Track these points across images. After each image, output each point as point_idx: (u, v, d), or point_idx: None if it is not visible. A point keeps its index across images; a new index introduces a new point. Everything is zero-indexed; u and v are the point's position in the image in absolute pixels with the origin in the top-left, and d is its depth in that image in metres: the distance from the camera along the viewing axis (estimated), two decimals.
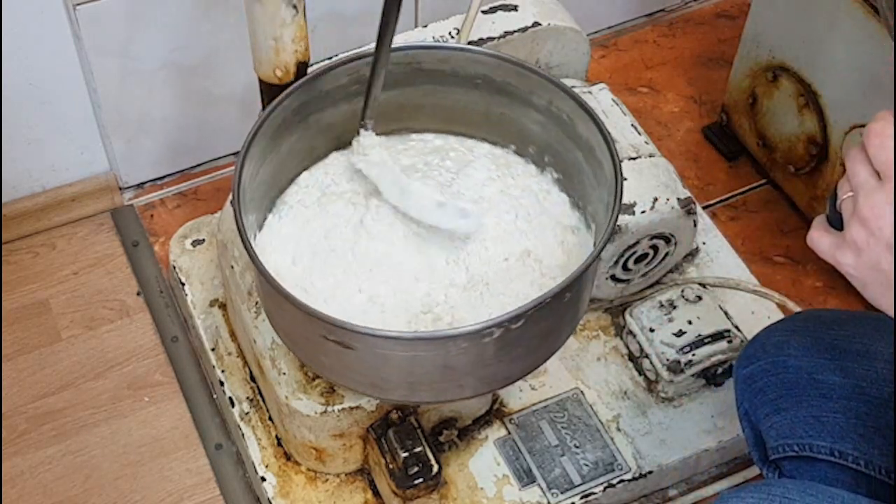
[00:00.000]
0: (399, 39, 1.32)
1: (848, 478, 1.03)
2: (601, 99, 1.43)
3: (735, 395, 1.13)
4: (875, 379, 1.03)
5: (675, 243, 1.39)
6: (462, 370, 1.05)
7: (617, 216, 1.04)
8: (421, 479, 1.21)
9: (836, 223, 0.86)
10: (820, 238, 0.86)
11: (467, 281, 1.13)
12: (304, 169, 1.21)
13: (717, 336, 1.36)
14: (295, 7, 1.08)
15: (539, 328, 1.05)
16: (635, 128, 1.41)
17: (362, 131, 1.14)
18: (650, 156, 1.38)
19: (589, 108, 1.12)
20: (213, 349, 1.43)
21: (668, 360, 1.35)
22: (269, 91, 1.16)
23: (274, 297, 1.06)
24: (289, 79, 1.13)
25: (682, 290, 1.40)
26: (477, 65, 1.18)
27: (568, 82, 1.42)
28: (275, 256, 1.14)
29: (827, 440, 1.03)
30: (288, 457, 1.34)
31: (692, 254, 1.49)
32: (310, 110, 1.16)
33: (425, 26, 1.37)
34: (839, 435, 1.03)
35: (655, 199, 1.33)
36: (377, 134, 1.16)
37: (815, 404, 1.05)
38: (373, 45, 1.11)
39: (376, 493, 1.31)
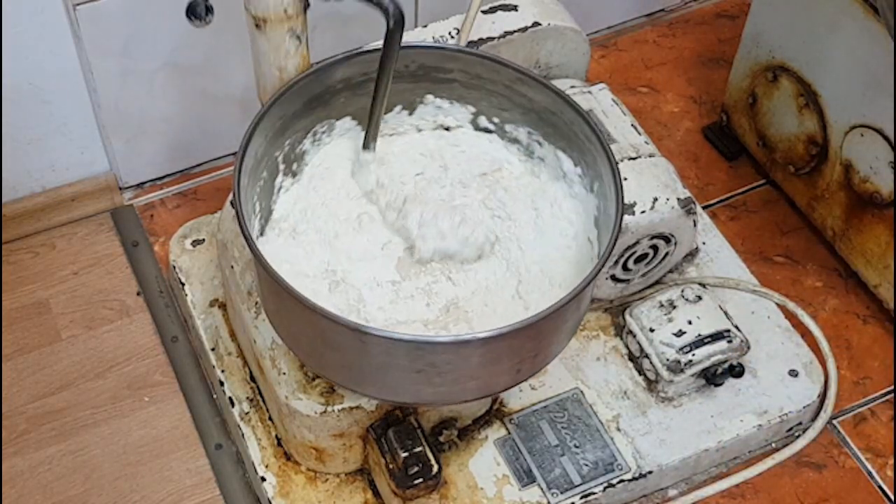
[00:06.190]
0: None
1: None
2: (601, 99, 1.43)
3: None
4: None
5: (675, 243, 1.39)
6: (468, 373, 1.06)
7: (617, 237, 1.04)
8: (421, 479, 1.21)
9: None
10: None
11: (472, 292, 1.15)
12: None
13: (717, 336, 1.36)
14: (298, 38, 1.10)
15: (539, 337, 1.06)
16: (635, 128, 1.41)
17: (365, 151, 1.19)
18: (650, 156, 1.38)
19: (588, 116, 1.12)
20: (213, 349, 1.43)
21: (668, 360, 1.35)
22: None
23: (275, 291, 1.06)
24: None
25: (682, 290, 1.40)
26: (476, 66, 1.18)
27: (568, 82, 1.42)
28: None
29: None
30: (288, 457, 1.34)
31: (692, 254, 1.49)
32: (314, 105, 1.17)
33: (425, 26, 1.37)
34: None
35: (655, 199, 1.33)
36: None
37: None
38: (371, 45, 1.11)
39: (376, 493, 1.31)
